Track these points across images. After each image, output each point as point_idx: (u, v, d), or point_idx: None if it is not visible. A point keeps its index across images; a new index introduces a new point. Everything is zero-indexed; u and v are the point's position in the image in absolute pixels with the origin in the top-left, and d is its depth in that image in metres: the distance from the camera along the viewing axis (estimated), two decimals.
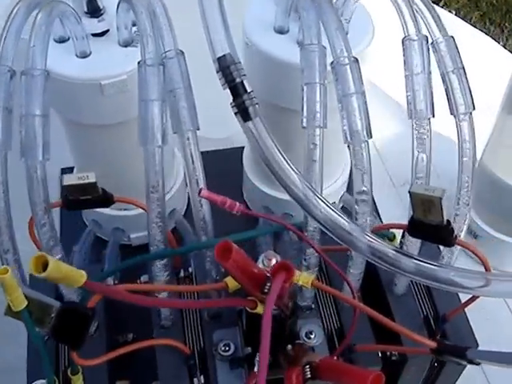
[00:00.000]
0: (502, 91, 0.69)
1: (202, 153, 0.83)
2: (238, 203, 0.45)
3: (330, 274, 0.58)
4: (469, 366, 0.49)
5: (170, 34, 0.49)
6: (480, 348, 0.58)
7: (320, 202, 0.46)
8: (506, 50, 1.03)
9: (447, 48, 0.50)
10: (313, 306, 0.55)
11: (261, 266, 0.46)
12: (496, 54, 1.00)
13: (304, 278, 0.46)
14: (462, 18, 1.85)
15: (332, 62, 0.47)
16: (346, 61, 0.47)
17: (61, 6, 0.51)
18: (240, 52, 0.59)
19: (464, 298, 0.53)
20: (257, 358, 0.49)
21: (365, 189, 0.47)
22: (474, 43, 1.03)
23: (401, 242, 0.54)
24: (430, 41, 0.51)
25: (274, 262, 0.46)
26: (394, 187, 0.77)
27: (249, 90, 0.45)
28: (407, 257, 0.46)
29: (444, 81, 0.50)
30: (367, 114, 0.46)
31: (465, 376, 0.57)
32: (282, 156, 0.46)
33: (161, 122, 0.46)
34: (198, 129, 0.48)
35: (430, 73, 0.49)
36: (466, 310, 0.55)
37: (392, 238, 0.58)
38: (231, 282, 0.47)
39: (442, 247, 0.55)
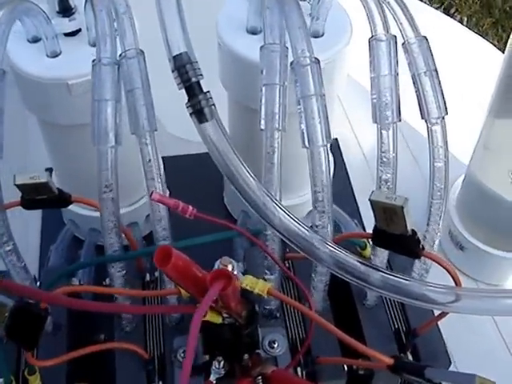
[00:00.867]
0: None
1: (183, 156, 0.82)
2: (190, 207, 0.44)
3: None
4: None
5: (132, 33, 0.48)
6: (460, 359, 0.56)
7: (279, 209, 0.44)
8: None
9: (420, 49, 0.48)
10: (278, 314, 0.53)
11: None
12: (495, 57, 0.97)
13: (261, 285, 0.45)
14: (475, 25, 1.81)
15: (292, 62, 0.45)
16: (307, 61, 0.45)
17: (25, 5, 0.50)
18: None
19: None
20: (212, 367, 0.48)
21: (320, 197, 0.45)
22: (470, 46, 1.01)
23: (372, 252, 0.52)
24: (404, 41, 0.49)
25: (230, 267, 0.45)
26: None
27: (205, 91, 0.44)
28: (367, 266, 0.44)
29: (415, 83, 0.48)
30: (327, 117, 0.44)
31: None
32: (239, 160, 0.44)
33: (114, 122, 0.45)
34: (156, 130, 0.47)
35: (397, 74, 0.47)
36: (446, 318, 0.52)
37: (364, 247, 0.56)
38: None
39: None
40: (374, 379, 0.51)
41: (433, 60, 0.48)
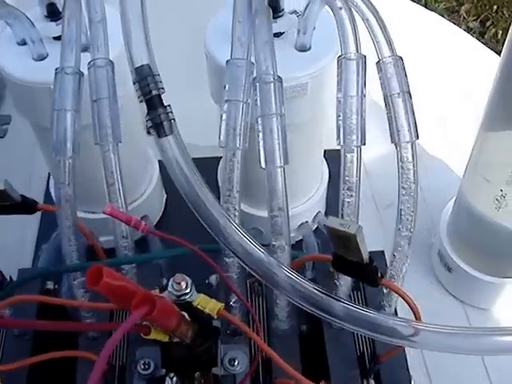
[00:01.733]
0: None
1: None
2: (143, 222, 0.44)
3: None
4: None
5: (104, 43, 0.47)
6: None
7: (237, 231, 0.43)
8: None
9: (394, 69, 0.46)
10: (242, 332, 0.53)
11: (170, 289, 0.44)
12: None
13: (212, 305, 0.44)
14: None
15: (255, 78, 0.44)
16: (270, 79, 0.44)
17: (6, 9, 0.51)
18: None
19: None
20: (165, 383, 0.48)
21: (276, 214, 0.44)
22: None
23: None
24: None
25: (183, 285, 0.44)
26: (377, 210, 0.73)
27: (165, 104, 0.44)
28: (320, 293, 0.43)
29: (387, 104, 0.46)
30: (285, 137, 0.43)
31: None
32: (198, 177, 0.44)
33: (73, 132, 0.45)
34: (120, 141, 0.47)
35: (364, 96, 0.45)
36: None
37: None
38: None
39: None
40: None
41: (407, 82, 0.46)
